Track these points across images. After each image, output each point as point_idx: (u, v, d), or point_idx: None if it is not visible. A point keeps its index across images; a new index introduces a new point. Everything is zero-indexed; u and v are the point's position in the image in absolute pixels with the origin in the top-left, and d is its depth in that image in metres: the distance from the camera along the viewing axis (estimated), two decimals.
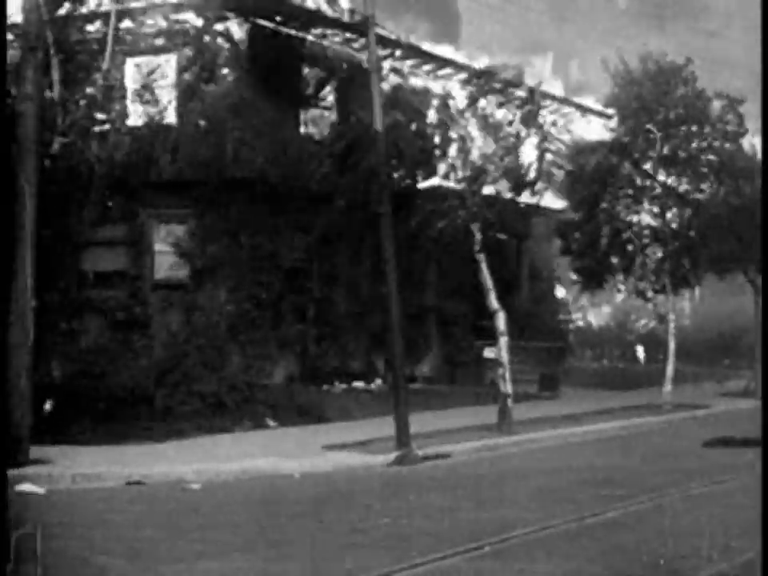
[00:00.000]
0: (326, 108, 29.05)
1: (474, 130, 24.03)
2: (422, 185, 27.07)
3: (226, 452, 18.85)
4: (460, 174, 24.24)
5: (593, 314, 37.46)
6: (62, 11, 20.91)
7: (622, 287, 30.70)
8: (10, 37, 19.25)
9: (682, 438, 22.96)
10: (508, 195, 24.57)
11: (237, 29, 25.91)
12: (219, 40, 25.63)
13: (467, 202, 23.20)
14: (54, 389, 20.67)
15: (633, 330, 38.19)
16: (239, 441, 20.45)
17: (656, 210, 28.60)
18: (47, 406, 19.17)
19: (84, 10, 21.47)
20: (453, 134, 24.27)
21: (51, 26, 19.19)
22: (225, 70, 25.45)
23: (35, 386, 17.27)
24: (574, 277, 31.09)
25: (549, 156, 24.74)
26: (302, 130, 28.56)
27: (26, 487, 15.45)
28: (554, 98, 29.75)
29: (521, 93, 24.45)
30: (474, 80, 25.19)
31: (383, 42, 26.51)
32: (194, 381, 22.99)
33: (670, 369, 28.01)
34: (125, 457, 18.06)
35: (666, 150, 27.98)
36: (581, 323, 37.48)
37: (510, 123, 23.96)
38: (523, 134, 24.14)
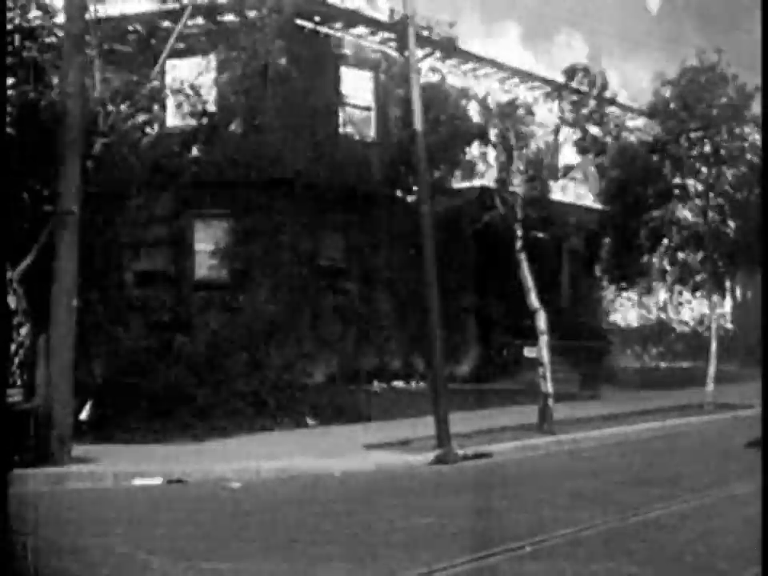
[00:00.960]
0: (365, 108, 29.06)
1: (515, 129, 23.98)
2: (463, 184, 27.05)
3: (266, 451, 18.87)
4: (502, 173, 24.27)
5: (633, 312, 37.25)
6: (103, 11, 21.07)
7: (662, 287, 30.53)
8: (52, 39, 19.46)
9: (724, 438, 22.80)
10: (549, 194, 24.56)
11: (277, 29, 25.91)
12: (259, 41, 25.63)
13: (509, 201, 23.16)
14: (97, 388, 20.82)
15: (674, 329, 37.99)
16: (280, 439, 20.50)
17: (696, 208, 28.42)
18: (88, 406, 19.30)
19: (126, 10, 21.56)
20: (492, 135, 24.22)
21: (93, 26, 19.36)
22: (265, 71, 25.45)
23: (78, 384, 17.38)
24: (614, 276, 30.98)
25: (590, 156, 24.66)
26: (342, 130, 28.57)
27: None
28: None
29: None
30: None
31: (422, 41, 26.49)
32: (235, 380, 23.08)
33: (711, 368, 27.82)
34: (166, 455, 18.14)
35: (707, 149, 27.80)
36: (621, 322, 37.29)
37: (559, 126, 23.91)
38: (565, 134, 24.09)
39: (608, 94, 24.78)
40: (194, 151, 22.90)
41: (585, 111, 24.68)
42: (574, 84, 24.38)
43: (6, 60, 17.01)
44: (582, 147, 24.62)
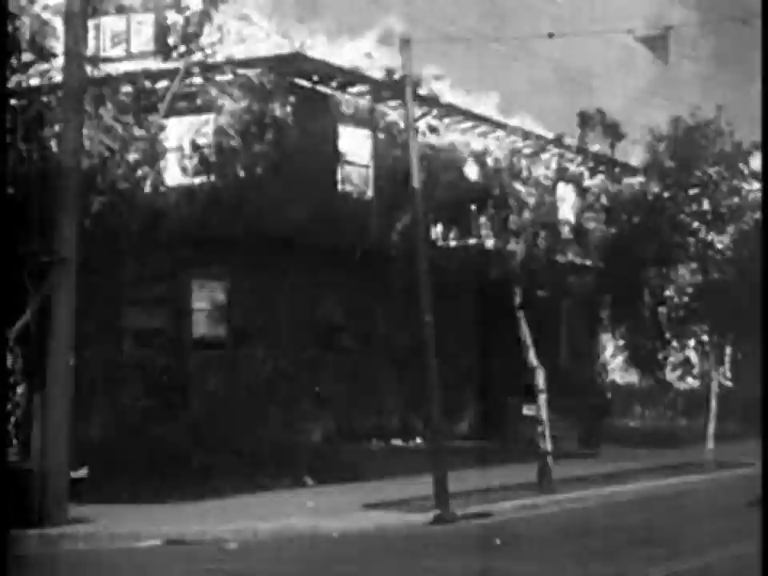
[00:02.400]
0: (363, 166, 29.15)
1: (513, 187, 24.06)
2: (460, 242, 27.04)
3: (264, 510, 18.74)
4: (498, 230, 24.31)
5: (631, 370, 37.13)
6: (101, 72, 21.21)
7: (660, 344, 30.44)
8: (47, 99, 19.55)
9: (725, 496, 22.66)
10: (547, 252, 24.58)
11: (275, 88, 26.06)
12: (257, 99, 25.77)
13: (508, 259, 23.17)
14: (94, 447, 20.68)
15: (673, 386, 37.84)
16: (277, 499, 20.34)
17: (696, 267, 28.40)
18: (84, 467, 19.17)
19: (122, 70, 21.70)
20: (492, 191, 24.29)
21: (92, 86, 19.46)
22: (264, 128, 25.57)
23: (75, 444, 17.27)
24: (612, 333, 30.93)
25: (588, 214, 24.75)
26: (340, 187, 28.64)
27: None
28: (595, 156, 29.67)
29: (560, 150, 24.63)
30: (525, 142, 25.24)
31: (420, 99, 26.64)
32: (232, 439, 22.95)
33: (711, 426, 27.73)
34: (163, 516, 18.00)
35: (706, 206, 27.82)
36: (620, 380, 37.17)
37: (554, 182, 23.99)
38: (562, 191, 24.19)
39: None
40: (192, 208, 22.99)
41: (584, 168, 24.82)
42: (589, 131, 24.44)
43: (5, 63, 16.93)
44: (581, 205, 24.72)
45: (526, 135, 25.27)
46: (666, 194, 27.93)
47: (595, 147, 28.75)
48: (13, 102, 18.50)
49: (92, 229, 18.51)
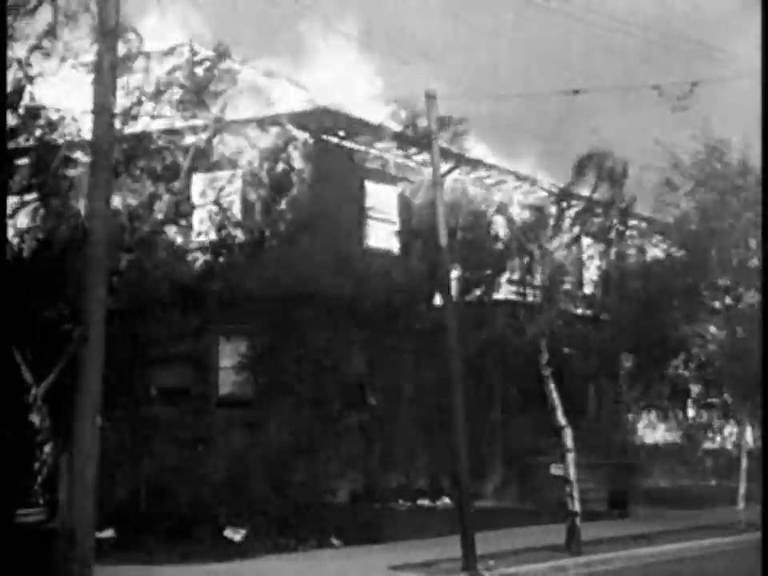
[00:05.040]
0: (389, 221, 29.10)
1: (538, 242, 23.92)
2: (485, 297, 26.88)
3: (288, 573, 18.50)
4: (524, 287, 24.18)
5: (660, 430, 36.78)
6: (129, 129, 21.21)
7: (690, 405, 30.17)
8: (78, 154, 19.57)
9: (756, 558, 22.23)
10: (573, 310, 24.42)
11: (301, 144, 26.08)
12: (284, 155, 25.79)
13: (537, 317, 22.99)
14: (119, 507, 20.50)
15: (702, 447, 37.46)
16: (302, 560, 20.10)
17: (723, 323, 28.10)
18: (110, 527, 19.00)
19: (152, 126, 21.69)
20: (518, 247, 24.16)
21: (120, 144, 19.45)
22: (291, 185, 25.56)
23: (100, 503, 17.06)
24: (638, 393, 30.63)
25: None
26: (366, 243, 28.59)
27: None
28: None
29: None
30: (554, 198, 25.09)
31: (446, 155, 26.59)
32: (258, 499, 22.73)
33: (742, 487, 27.34)
34: None
35: (734, 263, 27.55)
36: (649, 440, 36.80)
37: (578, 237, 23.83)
38: (591, 250, 24.03)
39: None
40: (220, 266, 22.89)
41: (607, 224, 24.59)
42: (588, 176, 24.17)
43: (5, 65, 16.85)
44: (607, 262, 24.54)
45: (556, 192, 25.11)
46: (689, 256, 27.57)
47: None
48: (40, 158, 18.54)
49: (119, 286, 18.43)
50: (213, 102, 22.04)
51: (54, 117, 19.35)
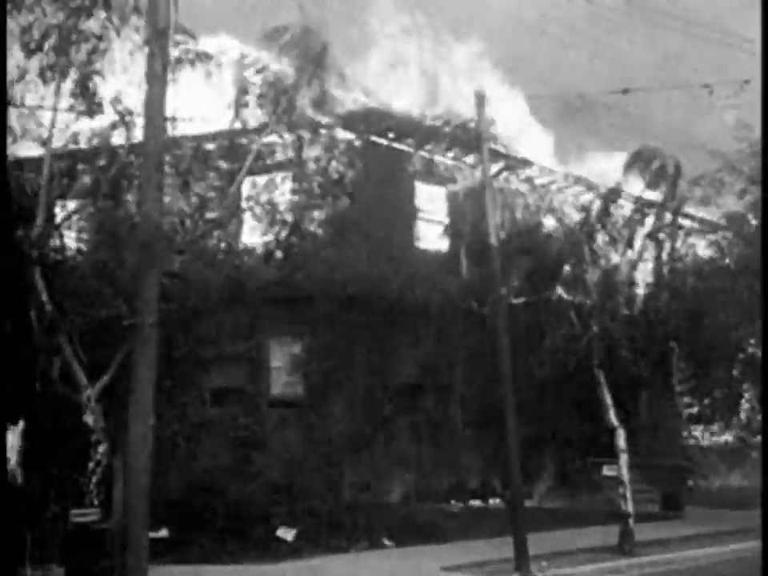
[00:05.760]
0: (439, 222, 29.06)
1: (590, 243, 23.79)
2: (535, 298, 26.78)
3: (341, 573, 18.51)
4: (576, 287, 24.06)
5: (714, 431, 36.42)
6: (179, 132, 21.31)
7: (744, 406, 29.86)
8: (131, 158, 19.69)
9: None
10: (627, 310, 24.26)
11: (352, 145, 26.11)
12: (335, 157, 25.82)
13: (592, 319, 22.88)
14: (172, 506, 20.60)
15: (757, 445, 37.06)
16: (355, 561, 20.12)
17: None
18: (164, 527, 19.09)
19: (205, 129, 21.77)
20: (569, 248, 24.04)
21: (172, 145, 19.54)
22: (341, 186, 25.61)
23: (154, 503, 17.15)
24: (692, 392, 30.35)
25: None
26: (416, 243, 28.56)
27: None
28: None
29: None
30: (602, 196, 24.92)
31: (496, 155, 26.52)
32: (311, 499, 22.77)
33: None
34: None
35: None
36: (704, 440, 36.47)
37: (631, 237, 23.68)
38: (648, 251, 23.88)
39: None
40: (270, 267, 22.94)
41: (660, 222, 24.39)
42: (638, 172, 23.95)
43: (5, 66, 16.95)
44: (660, 262, 24.35)
45: (607, 191, 24.93)
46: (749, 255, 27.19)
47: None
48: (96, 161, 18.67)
49: (172, 287, 18.50)
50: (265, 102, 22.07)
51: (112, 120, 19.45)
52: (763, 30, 15.42)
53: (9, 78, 17.16)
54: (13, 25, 17.14)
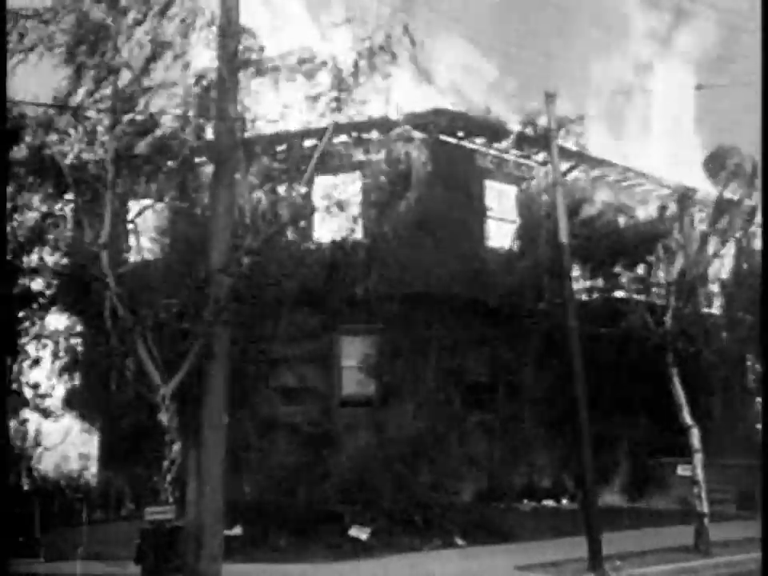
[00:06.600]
0: (509, 221, 28.94)
1: (664, 240, 23.57)
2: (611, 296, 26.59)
3: (414, 572, 18.49)
4: (649, 285, 23.87)
5: None
6: (250, 132, 21.40)
7: None
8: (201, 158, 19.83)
9: None
10: (698, 308, 24.02)
11: (421, 145, 26.08)
12: (404, 156, 25.81)
13: (657, 314, 22.68)
14: (245, 505, 20.73)
15: None
16: (427, 560, 20.09)
17: None
18: (237, 525, 19.21)
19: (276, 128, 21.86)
20: (641, 245, 23.82)
21: (243, 147, 19.62)
22: (411, 186, 25.60)
23: (227, 501, 17.27)
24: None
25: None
26: (486, 242, 28.47)
27: None
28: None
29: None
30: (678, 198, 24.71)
31: (566, 153, 26.35)
32: (383, 498, 22.77)
33: None
34: None
35: None
36: None
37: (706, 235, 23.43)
38: (719, 248, 23.62)
39: None
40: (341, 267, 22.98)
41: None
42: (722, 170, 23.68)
43: (5, 65, 17.02)
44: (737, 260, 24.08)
45: (679, 190, 24.70)
46: None
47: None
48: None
49: (242, 287, 18.57)
50: (336, 103, 22.11)
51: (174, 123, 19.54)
52: (763, 30, 15.20)
53: (64, 83, 17.26)
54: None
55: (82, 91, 17.48)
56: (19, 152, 17.97)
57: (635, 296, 24.67)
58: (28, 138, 17.74)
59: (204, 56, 18.45)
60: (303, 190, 20.39)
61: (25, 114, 17.44)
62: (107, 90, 17.51)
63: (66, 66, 17.24)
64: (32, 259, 20.74)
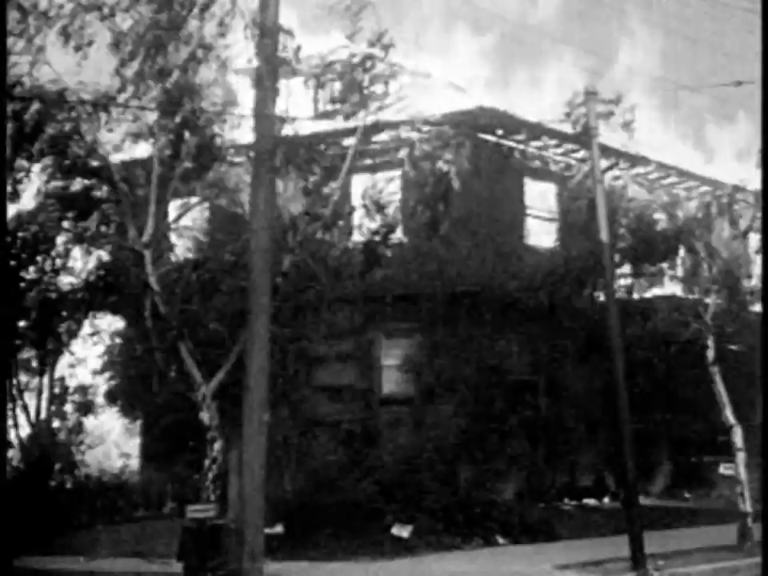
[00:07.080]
0: (549, 219, 28.87)
1: (705, 238, 23.41)
2: (652, 294, 26.45)
3: (457, 571, 18.48)
4: (691, 283, 23.74)
5: None
6: (290, 131, 21.45)
7: None
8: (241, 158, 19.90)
9: None
10: (739, 305, 23.85)
11: (460, 143, 26.04)
12: (443, 155, 25.78)
13: (699, 312, 22.54)
14: (287, 503, 20.79)
15: None
16: (469, 559, 20.07)
17: None
18: (279, 523, 19.25)
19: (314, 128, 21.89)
20: (683, 242, 23.68)
21: (282, 146, 19.65)
22: (450, 184, 25.58)
23: (268, 499, 17.29)
24: None
25: None
26: (526, 240, 28.41)
27: None
28: None
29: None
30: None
31: (606, 151, 26.23)
32: (424, 496, 22.76)
33: None
34: (357, 574, 17.90)
35: None
36: None
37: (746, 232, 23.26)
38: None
39: None
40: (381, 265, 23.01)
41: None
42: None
43: (6, 64, 17.07)
44: None
45: (720, 186, 24.50)
46: None
47: None
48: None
49: (283, 286, 18.63)
50: (371, 102, 22.11)
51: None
52: (763, 30, 15.04)
53: (108, 82, 17.33)
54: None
55: (130, 89, 17.58)
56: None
57: (677, 294, 24.55)
58: (76, 137, 17.82)
59: (243, 56, 18.52)
60: (342, 189, 20.37)
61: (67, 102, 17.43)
62: (154, 91, 17.59)
63: (122, 66, 17.29)
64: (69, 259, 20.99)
